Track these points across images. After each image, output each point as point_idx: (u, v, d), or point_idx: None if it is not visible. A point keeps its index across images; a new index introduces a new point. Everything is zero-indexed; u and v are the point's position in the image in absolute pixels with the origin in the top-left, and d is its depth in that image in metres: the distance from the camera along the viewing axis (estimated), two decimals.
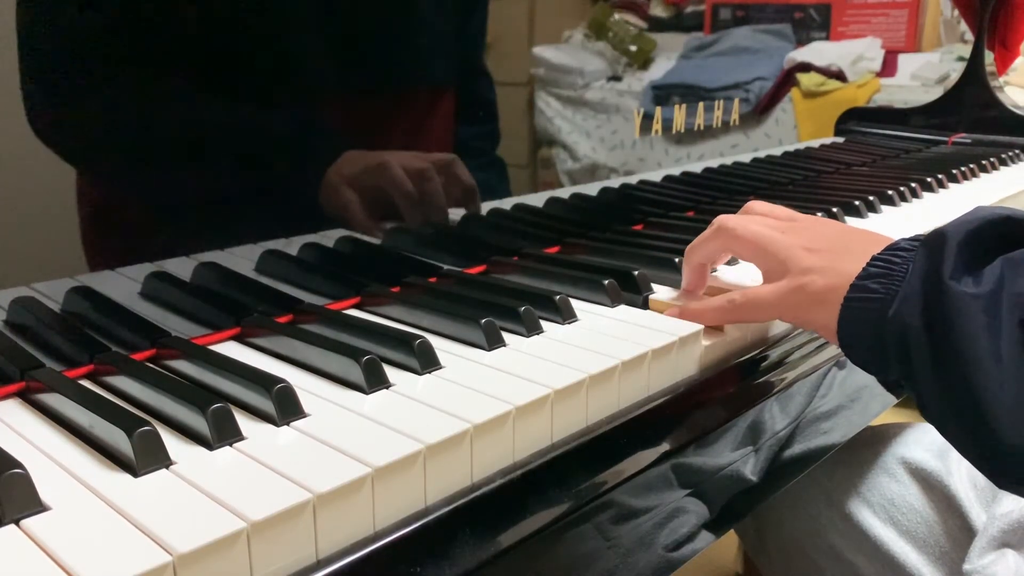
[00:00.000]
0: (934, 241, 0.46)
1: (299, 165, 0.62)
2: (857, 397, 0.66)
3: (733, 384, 0.56)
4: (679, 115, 0.91)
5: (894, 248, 0.49)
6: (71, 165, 0.50)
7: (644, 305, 0.62)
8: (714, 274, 0.68)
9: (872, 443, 0.80)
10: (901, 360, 0.46)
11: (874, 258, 0.49)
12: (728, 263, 0.71)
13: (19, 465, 0.35)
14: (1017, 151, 1.32)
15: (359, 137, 0.64)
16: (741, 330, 0.59)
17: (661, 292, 0.63)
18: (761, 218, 0.60)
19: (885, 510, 0.76)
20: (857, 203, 0.92)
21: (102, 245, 0.52)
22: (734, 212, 0.62)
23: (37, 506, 0.35)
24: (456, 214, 0.72)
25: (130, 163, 0.54)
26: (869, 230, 0.57)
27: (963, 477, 0.73)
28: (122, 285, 0.53)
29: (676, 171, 0.96)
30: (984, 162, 1.22)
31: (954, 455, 0.75)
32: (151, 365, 0.49)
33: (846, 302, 0.48)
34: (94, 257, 0.51)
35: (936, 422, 0.47)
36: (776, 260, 0.55)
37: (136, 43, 0.51)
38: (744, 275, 0.68)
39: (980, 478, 0.72)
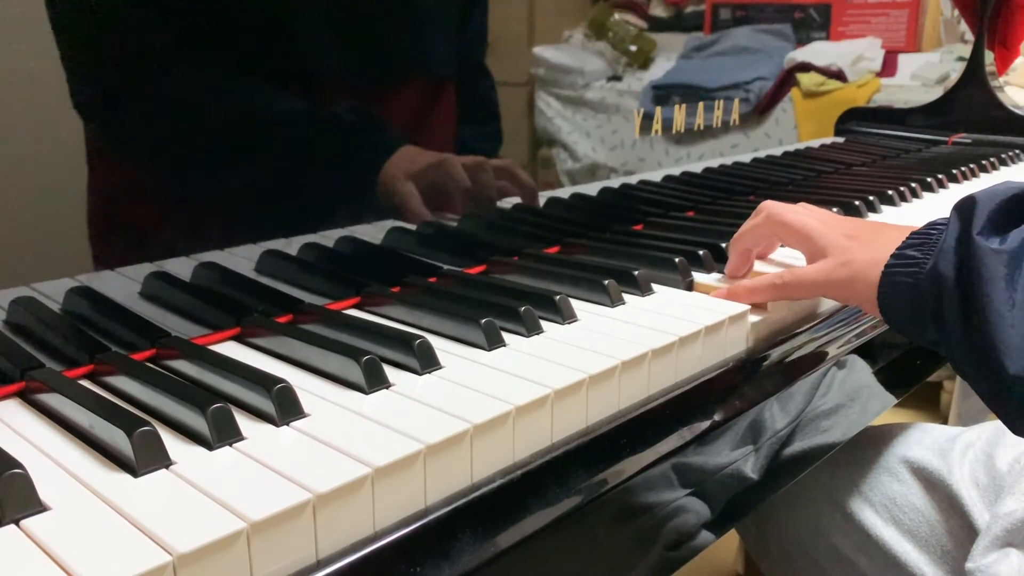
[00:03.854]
0: (966, 205, 0.52)
1: (352, 159, 0.62)
2: (857, 396, 0.66)
3: (733, 383, 0.56)
4: (679, 115, 0.91)
5: (931, 224, 0.54)
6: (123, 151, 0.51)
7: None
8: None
9: (874, 443, 0.80)
10: (935, 313, 0.50)
11: (913, 233, 0.54)
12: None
13: (19, 465, 0.35)
14: (1017, 151, 1.32)
15: (375, 132, 0.64)
16: (741, 329, 0.59)
17: (701, 277, 0.67)
18: (804, 207, 0.65)
19: (887, 509, 0.76)
20: (857, 203, 0.92)
21: (112, 244, 0.52)
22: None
23: (37, 506, 0.35)
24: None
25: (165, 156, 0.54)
26: (898, 224, 0.60)
27: (965, 476, 0.73)
28: (122, 285, 0.53)
29: (676, 171, 0.95)
30: (984, 162, 1.22)
31: (956, 455, 0.75)
32: (151, 365, 0.49)
33: (886, 269, 0.53)
34: (103, 255, 0.51)
35: (962, 370, 0.51)
36: (818, 246, 0.60)
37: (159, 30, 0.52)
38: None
39: (982, 477, 0.72)
